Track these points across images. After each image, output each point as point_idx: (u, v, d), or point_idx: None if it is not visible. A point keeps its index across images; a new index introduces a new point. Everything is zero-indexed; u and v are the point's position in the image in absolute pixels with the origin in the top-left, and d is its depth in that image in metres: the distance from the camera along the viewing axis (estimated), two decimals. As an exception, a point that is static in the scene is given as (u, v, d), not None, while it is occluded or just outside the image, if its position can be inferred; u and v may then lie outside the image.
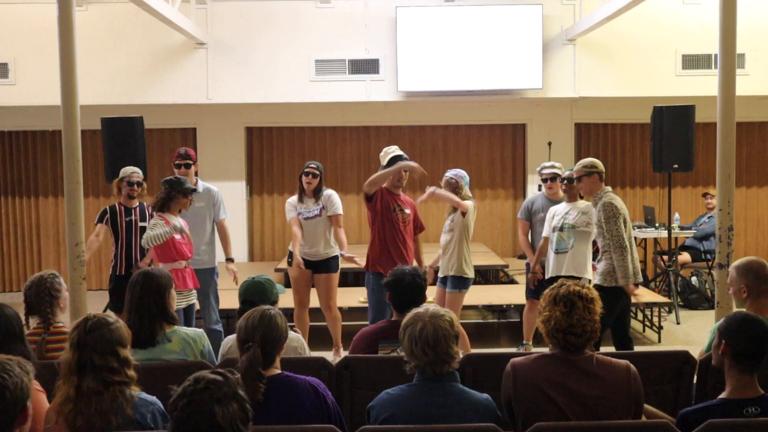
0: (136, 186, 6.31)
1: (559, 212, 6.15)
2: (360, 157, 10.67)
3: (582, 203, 6.06)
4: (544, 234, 6.28)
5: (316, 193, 6.32)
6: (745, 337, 2.74)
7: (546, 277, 6.11)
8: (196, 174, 6.40)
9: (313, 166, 6.35)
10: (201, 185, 6.27)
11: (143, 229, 6.12)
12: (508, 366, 2.92)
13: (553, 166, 6.50)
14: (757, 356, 2.75)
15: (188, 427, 2.02)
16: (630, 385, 2.85)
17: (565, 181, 6.02)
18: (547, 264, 6.17)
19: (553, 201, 6.35)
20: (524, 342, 6.64)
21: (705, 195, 9.53)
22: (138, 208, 6.41)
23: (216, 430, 2.01)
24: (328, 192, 6.37)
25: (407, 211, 6.08)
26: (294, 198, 6.44)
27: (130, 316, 3.52)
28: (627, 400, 2.83)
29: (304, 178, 6.31)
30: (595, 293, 2.94)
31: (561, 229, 6.08)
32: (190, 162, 6.22)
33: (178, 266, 5.43)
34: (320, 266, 6.35)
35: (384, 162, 6.05)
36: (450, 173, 6.20)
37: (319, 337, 6.85)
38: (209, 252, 6.27)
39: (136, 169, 6.50)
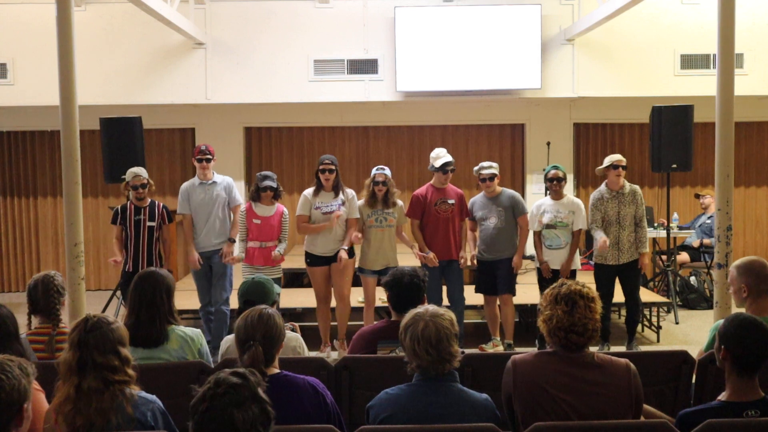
0: (141, 189, 6.49)
1: (548, 209, 6.48)
2: (359, 157, 10.66)
3: (566, 200, 6.56)
4: (535, 228, 6.58)
5: (336, 188, 6.41)
6: (744, 343, 2.73)
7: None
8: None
9: (328, 161, 6.39)
10: (217, 177, 6.69)
11: (151, 229, 6.52)
12: (508, 363, 2.92)
13: (491, 166, 6.60)
14: (757, 361, 2.74)
15: (209, 431, 2.05)
16: (630, 383, 2.84)
17: (555, 181, 6.48)
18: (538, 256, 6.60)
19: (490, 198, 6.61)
20: (492, 337, 6.74)
21: (697, 196, 9.52)
22: (148, 208, 6.55)
23: None
24: (352, 192, 6.49)
25: (450, 201, 6.54)
26: (310, 191, 6.48)
27: (140, 315, 3.52)
28: (627, 398, 2.83)
29: (321, 175, 6.36)
30: (595, 293, 2.94)
31: (554, 226, 6.46)
32: (210, 157, 6.63)
33: (253, 245, 6.31)
34: (334, 257, 6.41)
35: (436, 165, 6.50)
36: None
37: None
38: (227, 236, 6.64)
39: (140, 170, 6.60)
